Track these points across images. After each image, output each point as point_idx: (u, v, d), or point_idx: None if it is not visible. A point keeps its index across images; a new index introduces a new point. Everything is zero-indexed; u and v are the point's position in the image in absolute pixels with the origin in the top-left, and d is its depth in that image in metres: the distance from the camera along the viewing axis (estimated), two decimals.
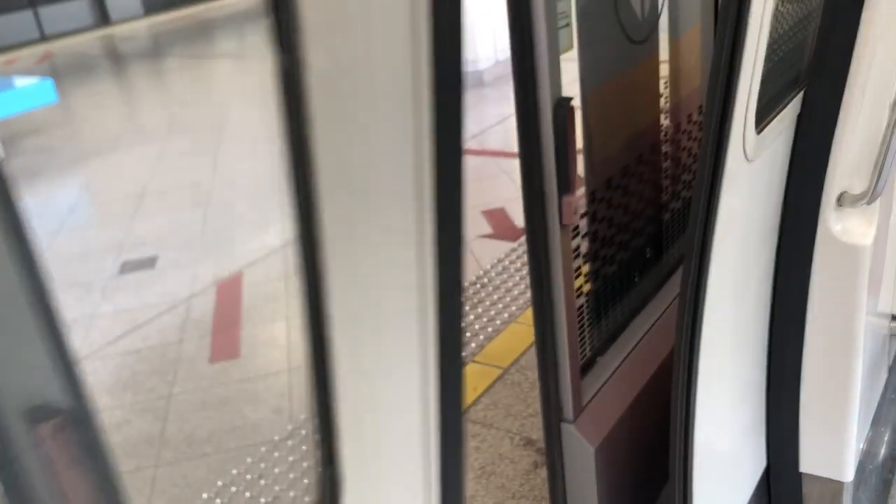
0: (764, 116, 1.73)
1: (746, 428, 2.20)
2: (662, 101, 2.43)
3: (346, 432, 0.83)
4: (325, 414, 0.81)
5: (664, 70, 2.43)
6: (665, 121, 2.46)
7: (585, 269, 2.07)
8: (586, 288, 2.09)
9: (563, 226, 1.71)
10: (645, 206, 2.37)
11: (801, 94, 1.93)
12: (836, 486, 2.23)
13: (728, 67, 1.49)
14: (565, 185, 1.67)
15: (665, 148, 2.46)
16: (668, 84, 2.47)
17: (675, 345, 1.66)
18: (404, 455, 0.95)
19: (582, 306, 2.03)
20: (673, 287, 2.46)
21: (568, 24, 1.75)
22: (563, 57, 1.68)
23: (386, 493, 0.95)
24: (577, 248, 1.89)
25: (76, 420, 0.62)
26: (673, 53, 2.47)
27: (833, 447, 2.20)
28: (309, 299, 0.76)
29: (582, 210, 2.02)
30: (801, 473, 2.25)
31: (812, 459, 2.22)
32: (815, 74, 1.94)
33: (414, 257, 0.85)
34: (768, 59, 1.66)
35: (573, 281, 1.83)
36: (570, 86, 1.79)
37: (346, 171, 0.76)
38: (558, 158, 1.65)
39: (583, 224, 2.04)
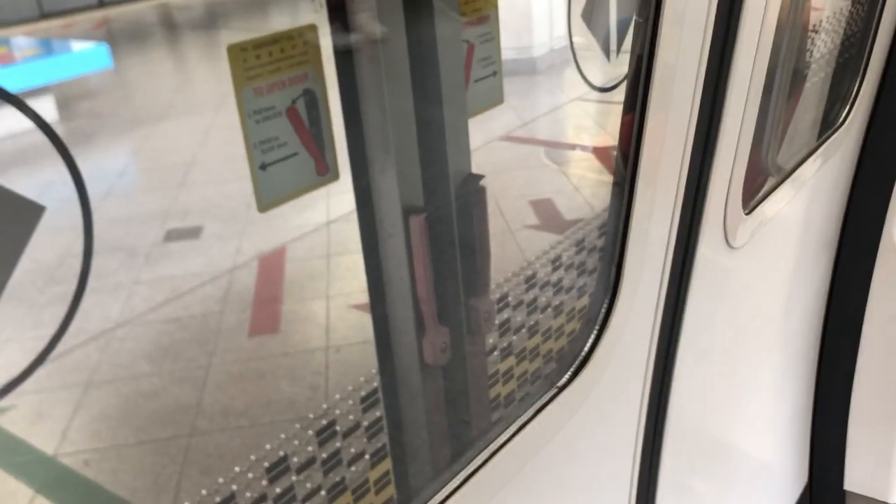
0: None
1: (789, 442, 2.14)
2: None
3: None
4: None
5: None
6: None
7: None
8: None
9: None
10: None
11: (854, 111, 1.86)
12: None
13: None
14: None
15: None
16: None
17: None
18: None
19: None
20: None
21: (496, 74, 1.28)
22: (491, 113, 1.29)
23: None
24: None
25: None
26: None
27: (880, 465, 2.14)
28: None
29: None
30: (844, 491, 2.19)
31: (857, 477, 2.16)
32: (887, 86, 1.87)
33: None
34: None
35: None
36: None
37: None
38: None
39: None
